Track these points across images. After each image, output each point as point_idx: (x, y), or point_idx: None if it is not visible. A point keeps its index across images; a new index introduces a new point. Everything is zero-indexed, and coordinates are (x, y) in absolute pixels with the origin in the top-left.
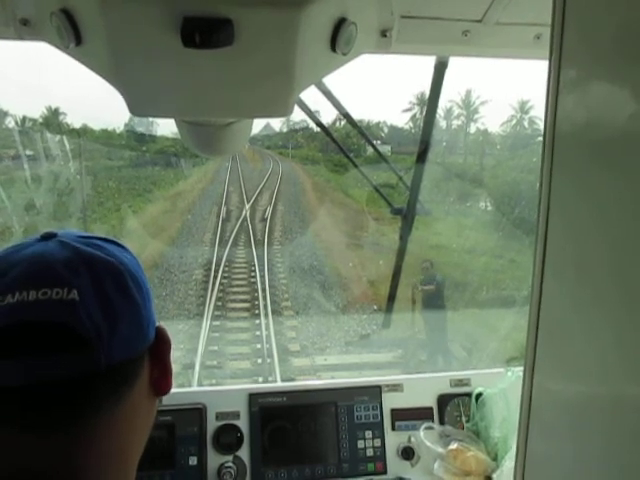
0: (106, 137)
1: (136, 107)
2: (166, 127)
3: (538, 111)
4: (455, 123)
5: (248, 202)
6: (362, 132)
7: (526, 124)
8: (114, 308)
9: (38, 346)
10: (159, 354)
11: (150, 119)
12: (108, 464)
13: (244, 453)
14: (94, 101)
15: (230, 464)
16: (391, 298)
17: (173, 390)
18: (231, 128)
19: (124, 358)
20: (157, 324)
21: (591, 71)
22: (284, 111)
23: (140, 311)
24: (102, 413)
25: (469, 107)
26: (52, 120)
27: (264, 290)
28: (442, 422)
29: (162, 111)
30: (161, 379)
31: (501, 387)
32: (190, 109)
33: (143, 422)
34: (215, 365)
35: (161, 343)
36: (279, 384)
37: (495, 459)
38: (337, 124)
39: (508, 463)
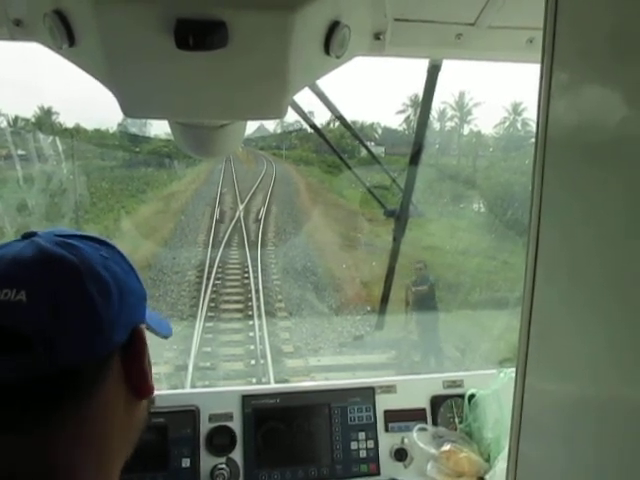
0: (99, 137)
1: (129, 108)
2: (159, 127)
3: (531, 113)
4: (448, 125)
5: (242, 203)
6: (356, 135)
7: (519, 126)
8: (64, 310)
9: None
10: (133, 356)
11: (143, 119)
12: (83, 468)
13: (237, 455)
14: (87, 101)
15: (223, 466)
16: (384, 299)
17: (166, 392)
18: (225, 130)
19: (78, 361)
20: (137, 325)
21: (583, 74)
22: (278, 113)
23: (98, 313)
24: (65, 416)
25: (462, 109)
26: (45, 120)
27: (257, 291)
28: (435, 423)
29: (155, 112)
30: (139, 381)
31: (494, 388)
32: (183, 111)
33: (123, 426)
34: (208, 366)
35: (136, 345)
36: (272, 385)
37: (488, 460)
38: (331, 125)
39: (501, 464)
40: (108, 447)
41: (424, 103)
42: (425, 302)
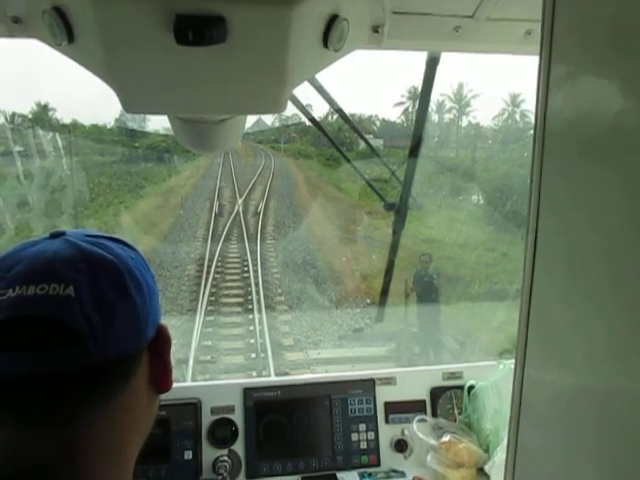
0: (97, 133)
1: (129, 104)
2: (157, 122)
3: (530, 104)
4: (447, 117)
5: (240, 197)
6: (355, 128)
7: (518, 117)
8: (109, 305)
9: (32, 339)
10: (159, 352)
11: (141, 115)
12: (106, 459)
13: (239, 447)
14: (83, 97)
15: (225, 458)
16: (384, 292)
17: None
18: (224, 125)
19: (118, 354)
20: (159, 322)
21: (581, 66)
22: (277, 107)
23: (137, 309)
24: (97, 408)
25: (461, 101)
26: (42, 116)
27: (257, 285)
28: (435, 415)
29: (155, 108)
30: (161, 377)
31: (493, 379)
32: (183, 106)
33: (142, 418)
34: (209, 360)
35: (161, 341)
36: (273, 378)
37: (487, 451)
38: (329, 118)
39: (500, 454)
40: (129, 439)
41: (423, 95)
42: (429, 294)
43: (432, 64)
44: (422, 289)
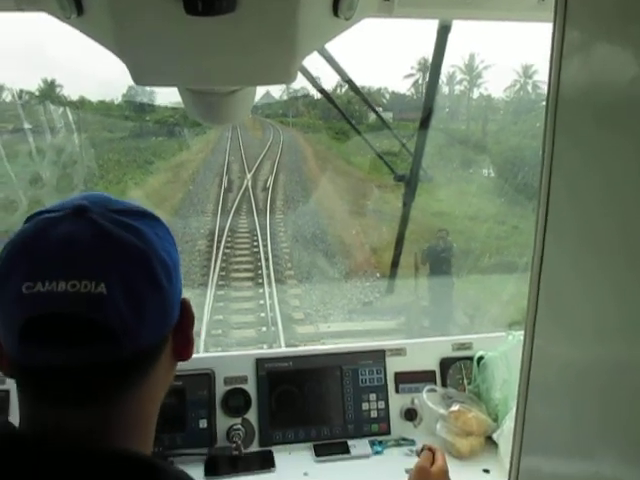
0: (104, 109)
1: (139, 76)
2: (165, 97)
3: (542, 75)
4: (458, 88)
5: (249, 172)
6: (365, 99)
7: (530, 89)
8: (140, 299)
9: (64, 336)
10: (183, 328)
11: (148, 89)
12: (134, 435)
13: (252, 416)
14: (91, 73)
15: (239, 426)
16: (394, 265)
17: None
18: (234, 96)
19: (150, 343)
20: (182, 298)
21: (595, 33)
22: (287, 78)
23: (166, 296)
24: (128, 393)
25: (472, 72)
26: (49, 92)
27: (267, 259)
28: (444, 385)
29: (166, 80)
30: (182, 349)
31: (502, 350)
32: (193, 77)
33: (162, 389)
34: (220, 334)
35: (185, 319)
36: (285, 349)
37: (496, 420)
38: (338, 91)
39: (508, 424)
40: (152, 411)
41: (434, 65)
42: (440, 266)
43: (443, 33)
44: (435, 263)
